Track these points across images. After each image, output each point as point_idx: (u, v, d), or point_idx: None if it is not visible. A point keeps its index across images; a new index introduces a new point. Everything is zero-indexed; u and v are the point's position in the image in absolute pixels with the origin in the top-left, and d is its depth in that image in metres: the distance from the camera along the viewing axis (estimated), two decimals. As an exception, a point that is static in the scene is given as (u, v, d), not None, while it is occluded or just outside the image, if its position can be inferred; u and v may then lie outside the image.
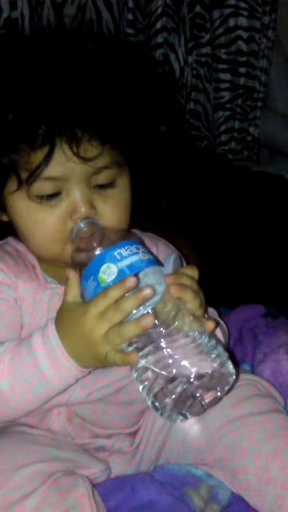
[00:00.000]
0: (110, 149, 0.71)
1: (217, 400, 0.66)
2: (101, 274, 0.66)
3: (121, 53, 0.85)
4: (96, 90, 0.70)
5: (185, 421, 0.67)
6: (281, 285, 1.29)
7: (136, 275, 0.65)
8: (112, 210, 0.74)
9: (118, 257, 0.66)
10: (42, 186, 0.71)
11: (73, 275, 0.69)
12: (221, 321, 0.84)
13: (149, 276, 0.66)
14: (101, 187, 0.73)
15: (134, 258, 0.66)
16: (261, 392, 0.81)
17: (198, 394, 0.64)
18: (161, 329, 0.63)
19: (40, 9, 1.44)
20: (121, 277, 0.65)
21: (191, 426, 0.79)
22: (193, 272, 0.71)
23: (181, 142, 1.51)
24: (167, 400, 0.63)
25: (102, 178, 0.73)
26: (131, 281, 0.64)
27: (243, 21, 1.88)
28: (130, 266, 0.66)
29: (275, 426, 0.74)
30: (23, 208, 0.73)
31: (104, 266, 0.66)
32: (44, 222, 0.72)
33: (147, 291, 0.63)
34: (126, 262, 0.66)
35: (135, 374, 0.66)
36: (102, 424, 0.80)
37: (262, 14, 1.91)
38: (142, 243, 0.70)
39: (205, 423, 0.78)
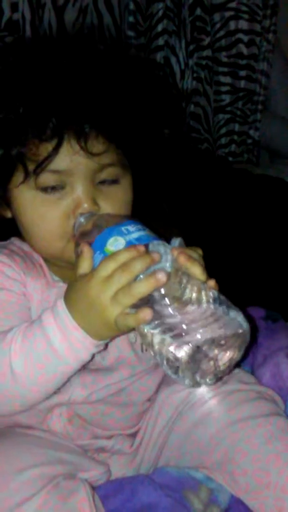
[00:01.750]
0: (116, 147, 0.72)
1: (231, 365, 0.64)
2: (108, 246, 0.65)
3: (128, 56, 0.87)
4: (105, 89, 0.72)
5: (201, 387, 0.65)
6: (282, 288, 1.29)
7: (145, 246, 0.64)
8: (113, 208, 0.74)
9: (126, 231, 0.65)
10: (47, 178, 0.72)
11: (87, 250, 0.68)
12: None
13: (157, 247, 0.65)
14: (105, 184, 0.74)
15: (141, 233, 0.66)
16: (261, 395, 0.81)
17: (211, 355, 0.62)
18: (171, 296, 0.62)
19: (41, 11, 1.44)
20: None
21: (191, 428, 0.79)
22: (198, 251, 0.70)
23: (181, 144, 1.52)
24: (181, 361, 0.61)
25: (106, 175, 0.74)
26: (140, 247, 0.63)
27: (243, 24, 1.89)
28: (138, 239, 0.65)
29: (275, 429, 0.75)
30: (28, 201, 0.74)
31: (112, 239, 0.65)
32: (47, 216, 0.73)
33: (156, 255, 0.63)
34: (134, 235, 0.65)
35: (146, 340, 0.64)
36: (103, 425, 0.80)
37: (263, 17, 1.91)
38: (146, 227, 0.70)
39: (205, 425, 0.78)
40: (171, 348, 0.61)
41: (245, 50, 1.91)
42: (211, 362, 0.62)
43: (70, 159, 0.71)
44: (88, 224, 0.70)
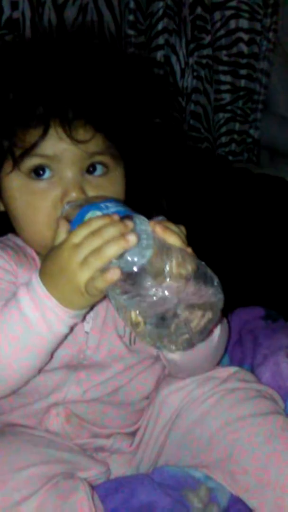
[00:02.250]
0: (103, 136, 0.73)
1: (204, 330, 0.64)
2: (85, 220, 0.66)
3: (117, 48, 0.90)
4: (91, 77, 0.74)
5: (173, 351, 0.65)
6: (281, 288, 1.29)
7: (124, 217, 0.64)
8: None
9: (104, 207, 0.66)
10: (34, 161, 0.73)
11: (62, 222, 0.69)
12: (224, 320, 0.84)
13: (134, 220, 0.64)
14: (95, 176, 0.75)
15: (120, 208, 0.66)
16: (261, 393, 0.81)
17: (181, 319, 0.62)
18: (147, 269, 0.61)
19: (41, 9, 1.44)
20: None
21: (191, 426, 0.79)
22: (181, 228, 0.69)
23: (181, 143, 1.51)
24: (150, 324, 0.62)
25: (93, 165, 0.74)
26: (114, 216, 0.63)
27: (244, 23, 1.88)
28: (116, 212, 0.65)
29: (274, 428, 0.75)
30: (17, 189, 0.75)
31: (90, 213, 0.66)
32: (35, 205, 0.74)
33: (129, 222, 0.62)
34: (113, 209, 0.65)
35: (114, 302, 0.64)
36: (101, 424, 0.80)
37: (263, 16, 1.91)
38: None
39: (205, 424, 0.78)
40: (133, 315, 0.62)
41: (245, 49, 1.91)
42: (182, 326, 0.62)
43: (56, 145, 0.72)
44: (74, 212, 0.70)
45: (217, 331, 0.79)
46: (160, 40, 1.70)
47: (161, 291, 0.60)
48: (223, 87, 1.92)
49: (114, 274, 0.61)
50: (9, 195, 0.76)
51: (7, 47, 0.80)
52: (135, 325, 0.63)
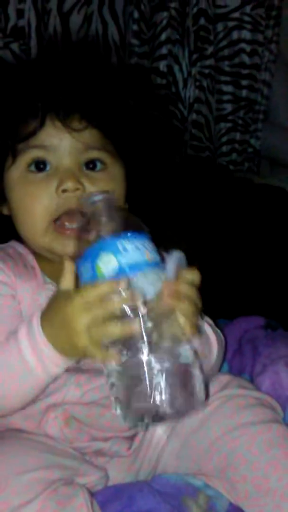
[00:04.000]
0: (101, 134, 0.77)
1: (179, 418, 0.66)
2: (99, 263, 0.64)
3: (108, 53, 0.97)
4: (85, 76, 0.78)
5: (145, 429, 0.68)
6: (281, 297, 1.29)
7: (136, 276, 0.63)
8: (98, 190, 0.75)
9: (122, 250, 0.64)
10: (32, 153, 0.76)
11: (68, 264, 0.69)
12: (218, 331, 0.84)
13: (147, 277, 0.64)
14: (92, 170, 0.78)
15: (137, 257, 0.64)
16: (261, 401, 0.81)
17: (163, 412, 0.62)
18: (146, 337, 0.62)
19: (47, 17, 1.45)
20: (119, 275, 0.63)
21: (190, 433, 0.79)
22: (194, 276, 0.70)
23: (183, 152, 1.52)
24: (132, 408, 0.63)
25: (89, 158, 0.77)
26: (123, 283, 0.63)
27: (246, 34, 1.89)
28: (131, 266, 0.63)
29: (274, 436, 0.75)
30: (16, 182, 0.78)
31: (105, 255, 0.64)
32: (32, 194, 0.77)
33: (138, 298, 0.62)
34: (129, 259, 0.63)
35: (107, 372, 0.65)
36: (99, 427, 0.80)
37: (266, 27, 1.93)
38: (149, 237, 0.68)
39: (204, 431, 0.78)
40: (123, 400, 0.63)
41: (247, 60, 1.92)
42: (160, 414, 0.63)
43: (52, 135, 0.76)
44: (89, 211, 0.69)
45: (214, 351, 0.81)
46: (163, 50, 1.71)
47: (152, 378, 0.62)
48: (225, 97, 1.94)
49: (114, 359, 0.64)
50: (9, 188, 0.79)
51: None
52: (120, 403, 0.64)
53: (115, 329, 0.63)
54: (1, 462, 0.69)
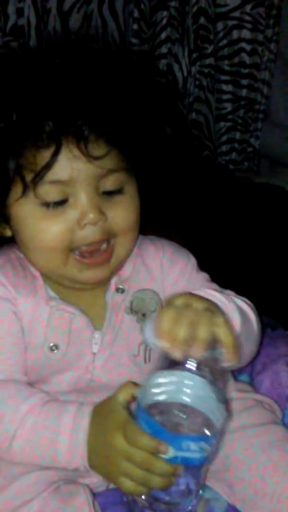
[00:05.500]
0: (117, 152, 0.69)
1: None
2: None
3: (127, 58, 0.85)
4: (103, 89, 0.69)
5: None
6: (281, 297, 1.29)
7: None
8: (122, 216, 0.73)
9: (184, 447, 0.63)
10: (48, 192, 0.68)
11: (130, 386, 0.67)
12: (245, 301, 0.83)
13: (193, 470, 0.66)
14: (110, 194, 0.72)
15: (195, 455, 0.64)
16: (259, 403, 0.80)
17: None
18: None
19: (47, 16, 1.45)
20: (171, 461, 0.63)
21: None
22: None
23: (183, 151, 1.52)
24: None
25: (110, 184, 0.71)
26: (173, 472, 0.63)
27: (246, 34, 1.89)
28: (185, 459, 0.64)
29: (272, 439, 0.74)
30: (28, 215, 0.71)
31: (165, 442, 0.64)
32: (49, 230, 0.70)
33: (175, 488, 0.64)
34: (186, 454, 0.63)
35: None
36: None
37: (266, 27, 1.93)
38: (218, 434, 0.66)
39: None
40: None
41: (247, 59, 1.92)
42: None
43: (70, 166, 0.67)
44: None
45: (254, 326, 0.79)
46: (163, 49, 1.71)
47: None
48: (225, 97, 1.94)
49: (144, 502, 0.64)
50: (19, 222, 0.72)
51: (9, 58, 0.75)
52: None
53: (155, 483, 0.63)
54: (5, 463, 0.70)
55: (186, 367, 0.63)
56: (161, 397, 0.64)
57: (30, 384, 0.75)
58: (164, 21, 1.68)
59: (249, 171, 2.03)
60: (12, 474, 0.67)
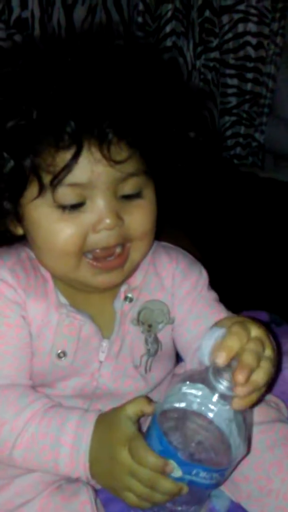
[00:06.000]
0: (138, 155, 0.67)
1: None
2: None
3: (153, 59, 0.82)
4: (129, 92, 0.67)
5: None
6: (286, 292, 1.29)
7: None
8: (140, 221, 0.71)
9: (194, 473, 0.62)
10: (65, 194, 0.66)
11: (143, 402, 0.67)
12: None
13: (197, 493, 0.65)
14: (128, 197, 0.70)
15: (203, 482, 0.63)
16: (265, 401, 0.80)
17: None
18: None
19: (51, 9, 1.44)
20: (178, 480, 0.63)
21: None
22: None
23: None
24: None
25: (129, 187, 0.69)
26: (179, 491, 0.62)
27: (252, 27, 1.88)
28: (192, 482, 0.63)
29: (278, 436, 0.74)
30: (42, 217, 0.68)
31: (174, 463, 0.63)
32: (63, 232, 0.68)
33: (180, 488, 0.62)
34: (194, 479, 0.63)
35: None
36: None
37: (272, 20, 1.91)
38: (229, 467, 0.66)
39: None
40: None
41: (252, 53, 1.91)
42: None
43: (90, 169, 0.65)
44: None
45: None
46: (168, 42, 1.70)
47: None
48: (230, 91, 1.93)
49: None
50: (33, 223, 0.70)
51: (21, 56, 0.72)
52: None
53: (160, 500, 0.63)
54: (4, 464, 0.69)
55: (219, 390, 0.61)
56: (182, 405, 0.62)
57: (34, 388, 0.74)
58: (169, 14, 1.67)
59: (253, 166, 2.03)
60: (13, 473, 0.67)
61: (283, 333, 1.05)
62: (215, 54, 1.82)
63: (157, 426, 0.63)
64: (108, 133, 0.64)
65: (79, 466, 0.66)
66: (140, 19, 1.63)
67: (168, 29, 1.69)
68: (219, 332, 0.63)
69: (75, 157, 0.64)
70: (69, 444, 0.66)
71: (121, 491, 0.64)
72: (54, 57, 0.69)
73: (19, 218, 0.72)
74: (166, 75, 0.77)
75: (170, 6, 1.67)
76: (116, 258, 0.71)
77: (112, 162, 0.65)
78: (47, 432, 0.67)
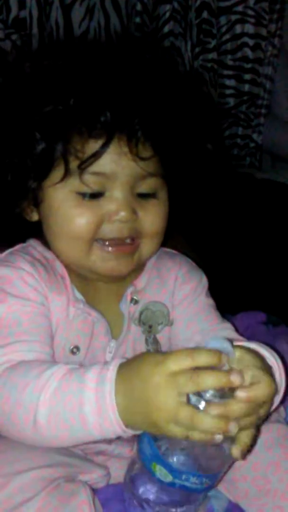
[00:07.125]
0: (158, 158, 0.71)
1: None
2: (156, 468, 0.63)
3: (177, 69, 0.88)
4: (162, 95, 0.71)
5: None
6: (283, 293, 1.29)
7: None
8: (152, 220, 0.74)
9: (184, 478, 0.62)
10: (88, 182, 0.69)
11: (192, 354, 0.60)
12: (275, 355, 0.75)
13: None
14: (144, 196, 0.73)
15: (194, 486, 0.62)
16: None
17: None
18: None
19: (49, 9, 1.44)
20: (170, 486, 0.62)
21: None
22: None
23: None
24: None
25: (146, 186, 0.72)
26: (222, 361, 0.58)
27: (249, 28, 1.88)
28: (183, 486, 0.62)
29: (275, 436, 0.74)
30: (62, 201, 0.71)
31: (165, 470, 0.62)
32: (80, 218, 0.71)
33: (237, 379, 0.57)
34: (185, 483, 0.62)
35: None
36: None
37: (269, 21, 1.91)
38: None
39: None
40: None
41: (250, 54, 1.91)
42: None
43: (116, 161, 0.69)
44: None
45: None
46: (166, 43, 1.70)
47: None
48: (227, 92, 1.93)
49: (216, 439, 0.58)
50: (51, 206, 0.73)
51: (63, 49, 0.77)
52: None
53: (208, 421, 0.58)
54: (5, 461, 0.68)
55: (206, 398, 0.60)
56: None
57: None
58: (167, 14, 1.68)
59: (251, 167, 2.03)
60: (11, 471, 0.66)
61: (281, 333, 1.05)
62: (213, 55, 1.82)
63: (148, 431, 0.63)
64: (137, 130, 0.68)
65: (106, 407, 0.61)
66: (138, 20, 1.63)
67: (166, 29, 1.69)
68: (217, 344, 0.62)
69: (104, 146, 0.67)
70: (93, 386, 0.61)
71: (164, 422, 0.58)
72: (95, 55, 0.74)
73: (37, 203, 0.75)
74: (192, 87, 0.83)
75: (168, 6, 1.67)
76: (127, 245, 0.74)
77: (137, 157, 0.69)
78: (69, 381, 0.63)
